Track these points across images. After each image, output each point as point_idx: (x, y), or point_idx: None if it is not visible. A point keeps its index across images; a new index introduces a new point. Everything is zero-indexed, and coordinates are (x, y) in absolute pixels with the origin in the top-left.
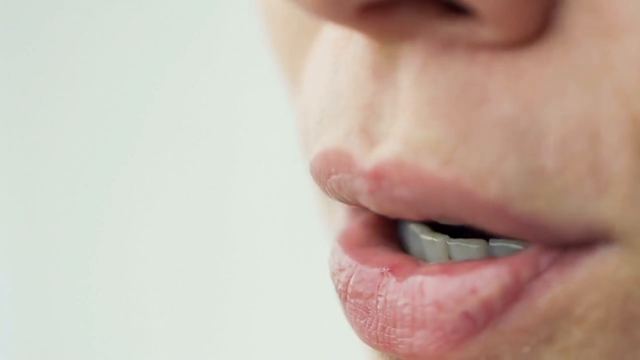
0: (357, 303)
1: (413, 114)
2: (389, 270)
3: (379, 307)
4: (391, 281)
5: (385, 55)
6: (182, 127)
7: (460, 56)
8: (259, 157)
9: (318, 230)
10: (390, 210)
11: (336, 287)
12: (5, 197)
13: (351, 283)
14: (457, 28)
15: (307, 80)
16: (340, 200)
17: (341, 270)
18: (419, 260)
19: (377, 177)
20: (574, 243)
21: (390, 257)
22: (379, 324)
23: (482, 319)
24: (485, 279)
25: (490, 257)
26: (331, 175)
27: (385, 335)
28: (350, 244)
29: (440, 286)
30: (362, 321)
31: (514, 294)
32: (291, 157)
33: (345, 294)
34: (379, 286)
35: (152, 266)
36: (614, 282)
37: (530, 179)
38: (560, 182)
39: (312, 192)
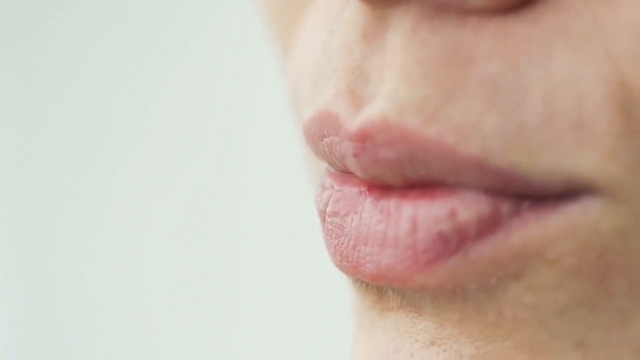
0: (334, 222)
1: (401, 75)
2: (367, 190)
3: (353, 224)
4: (368, 200)
5: (376, 18)
6: (185, 124)
7: (451, 20)
8: (262, 154)
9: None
10: (375, 173)
11: (318, 208)
12: (6, 197)
13: (330, 202)
14: None
15: (302, 42)
16: (331, 165)
17: (323, 191)
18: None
19: (362, 138)
20: (556, 194)
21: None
22: (351, 242)
23: (455, 242)
24: (466, 204)
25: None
26: (324, 137)
27: (355, 253)
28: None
29: (419, 205)
30: (336, 241)
31: (490, 225)
32: (295, 154)
33: (324, 214)
34: (355, 205)
35: (155, 265)
36: (594, 233)
37: (511, 133)
38: (540, 136)
39: (300, 152)
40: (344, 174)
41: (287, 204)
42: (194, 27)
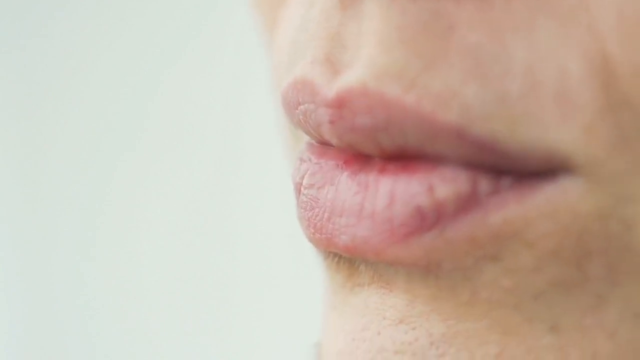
0: (309, 194)
1: (379, 41)
2: (344, 163)
3: (328, 196)
4: (345, 173)
5: None
6: (185, 124)
7: None
8: (262, 154)
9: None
10: (351, 141)
11: (294, 181)
12: (6, 197)
13: (307, 175)
14: None
15: (285, 21)
16: (307, 134)
17: (301, 164)
18: (376, 158)
19: (339, 104)
20: (534, 171)
21: (348, 152)
22: (325, 214)
23: (432, 218)
24: (444, 180)
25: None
26: (299, 105)
27: (330, 225)
28: (313, 143)
29: (397, 180)
30: (310, 213)
31: (468, 203)
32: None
33: (300, 187)
34: (332, 177)
35: (155, 265)
36: (573, 215)
37: (492, 103)
38: (521, 107)
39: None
40: (322, 146)
41: (287, 204)
42: (194, 27)
